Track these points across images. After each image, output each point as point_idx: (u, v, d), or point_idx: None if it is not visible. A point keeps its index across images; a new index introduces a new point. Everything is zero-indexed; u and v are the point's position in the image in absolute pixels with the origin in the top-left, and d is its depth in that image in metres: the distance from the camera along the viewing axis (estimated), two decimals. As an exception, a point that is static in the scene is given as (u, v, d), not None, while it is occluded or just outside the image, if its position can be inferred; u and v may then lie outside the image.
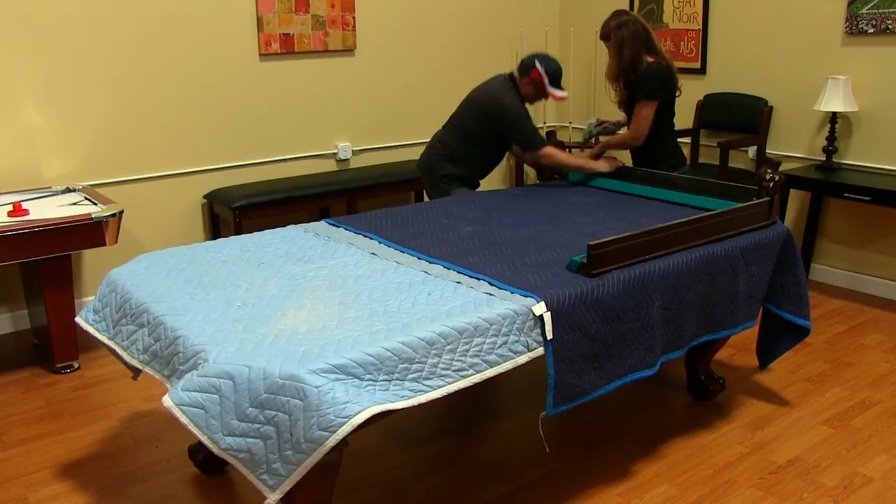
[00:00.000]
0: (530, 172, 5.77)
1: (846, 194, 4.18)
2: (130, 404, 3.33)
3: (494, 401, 3.33)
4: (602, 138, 3.94)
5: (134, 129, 4.28)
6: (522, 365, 2.18)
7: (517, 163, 5.59)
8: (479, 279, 2.38)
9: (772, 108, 4.73)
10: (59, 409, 3.31)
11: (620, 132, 3.87)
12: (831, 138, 4.38)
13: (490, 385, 3.33)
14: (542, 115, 5.95)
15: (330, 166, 5.03)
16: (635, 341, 2.49)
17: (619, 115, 3.90)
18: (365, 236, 2.86)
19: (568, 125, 5.82)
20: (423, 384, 1.98)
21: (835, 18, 4.36)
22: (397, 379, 1.94)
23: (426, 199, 4.75)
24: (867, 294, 4.44)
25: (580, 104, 5.86)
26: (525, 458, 2.86)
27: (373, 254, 2.67)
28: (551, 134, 5.73)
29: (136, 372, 2.43)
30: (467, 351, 2.06)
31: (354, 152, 5.03)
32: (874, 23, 4.20)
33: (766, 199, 2.93)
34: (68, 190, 3.97)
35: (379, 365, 1.91)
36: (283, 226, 3.03)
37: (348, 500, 2.63)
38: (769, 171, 2.98)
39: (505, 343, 2.14)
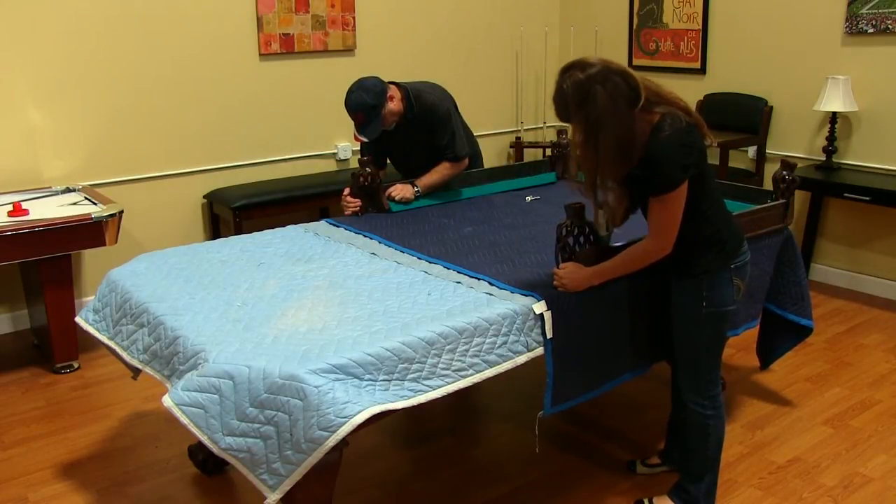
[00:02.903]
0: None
1: (846, 194, 4.18)
2: (130, 404, 3.33)
3: (494, 401, 3.33)
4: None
5: (134, 128, 4.28)
6: (522, 365, 2.18)
7: (518, 157, 5.59)
8: (478, 279, 2.38)
9: (772, 108, 4.73)
10: (59, 409, 3.31)
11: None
12: (831, 138, 4.38)
13: (490, 385, 3.32)
14: (543, 114, 5.95)
15: (330, 166, 5.03)
16: (636, 341, 2.49)
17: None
18: (365, 236, 2.86)
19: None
20: (423, 384, 1.98)
21: (835, 18, 4.36)
22: (397, 379, 1.94)
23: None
24: (867, 294, 4.44)
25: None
26: (525, 458, 2.86)
27: (373, 254, 2.67)
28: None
29: (136, 372, 2.43)
30: (467, 351, 2.06)
31: (354, 152, 5.03)
32: (874, 23, 4.20)
33: (782, 201, 2.86)
34: (68, 190, 3.97)
35: (379, 365, 1.91)
36: (283, 226, 3.03)
37: (348, 500, 2.63)
38: (784, 172, 2.87)
39: (505, 343, 2.14)
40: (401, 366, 1.94)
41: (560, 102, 2.12)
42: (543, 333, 2.21)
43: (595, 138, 2.09)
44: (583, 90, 2.06)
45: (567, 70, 2.11)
